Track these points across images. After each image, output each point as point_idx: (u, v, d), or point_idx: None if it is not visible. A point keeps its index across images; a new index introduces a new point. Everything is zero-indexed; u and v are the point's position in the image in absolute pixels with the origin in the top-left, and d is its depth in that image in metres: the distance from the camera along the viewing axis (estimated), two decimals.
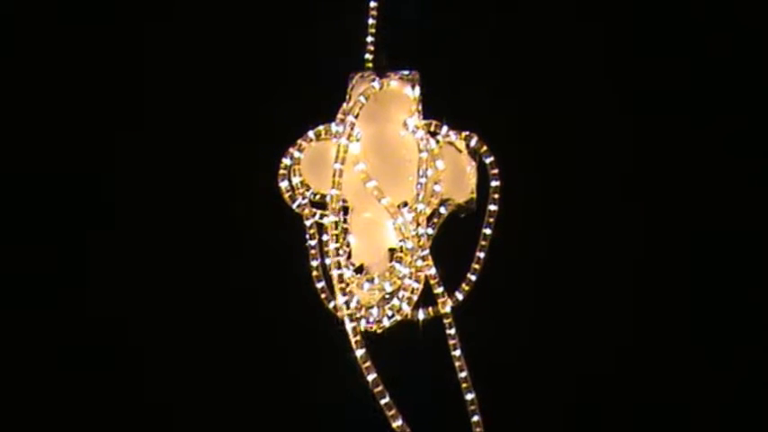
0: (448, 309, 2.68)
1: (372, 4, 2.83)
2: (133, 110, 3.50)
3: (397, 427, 2.59)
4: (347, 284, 2.60)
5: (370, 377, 2.57)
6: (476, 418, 2.69)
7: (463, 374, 2.67)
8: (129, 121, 3.52)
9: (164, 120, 3.51)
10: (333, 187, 2.55)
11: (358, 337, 2.58)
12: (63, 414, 3.52)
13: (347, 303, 2.58)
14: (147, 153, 3.50)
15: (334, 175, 2.55)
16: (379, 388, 2.57)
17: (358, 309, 2.59)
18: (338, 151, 2.55)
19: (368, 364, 2.57)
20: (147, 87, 3.49)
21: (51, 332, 3.53)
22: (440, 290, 2.64)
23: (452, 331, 2.67)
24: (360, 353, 2.57)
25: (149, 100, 3.50)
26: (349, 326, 2.58)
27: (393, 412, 2.57)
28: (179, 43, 3.46)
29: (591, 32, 3.39)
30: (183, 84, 3.47)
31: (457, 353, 2.67)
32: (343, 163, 2.55)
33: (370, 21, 2.83)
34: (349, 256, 2.62)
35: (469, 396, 2.70)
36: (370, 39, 2.81)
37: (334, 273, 2.57)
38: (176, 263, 3.50)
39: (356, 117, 2.58)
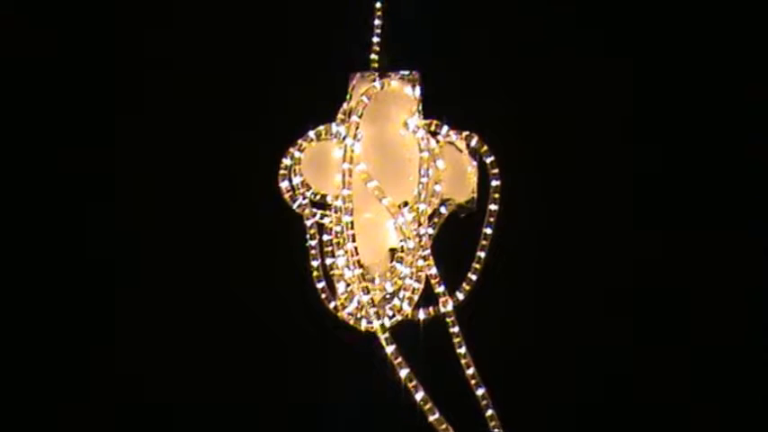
0: (449, 308, 2.66)
1: (377, 5, 2.82)
2: (134, 110, 3.50)
3: (435, 420, 2.56)
4: (352, 284, 2.59)
5: (403, 373, 2.53)
6: (490, 412, 2.68)
7: (471, 371, 2.66)
8: (130, 122, 3.52)
9: (164, 119, 3.51)
10: (344, 187, 2.51)
11: (387, 335, 2.55)
12: (63, 413, 3.52)
13: (372, 301, 2.56)
14: (147, 153, 3.50)
15: (344, 175, 2.52)
16: (414, 383, 2.53)
17: (359, 309, 2.58)
18: (346, 151, 2.53)
19: (399, 360, 2.53)
20: (147, 87, 3.48)
21: (49, 331, 3.53)
22: (441, 289, 2.64)
23: (456, 329, 2.66)
24: (390, 349, 2.54)
25: (150, 99, 3.49)
26: (377, 323, 2.56)
27: (429, 406, 2.54)
28: (180, 44, 3.46)
29: (591, 34, 3.40)
30: (183, 84, 3.47)
31: (462, 350, 2.66)
32: (351, 162, 2.52)
33: (376, 22, 2.82)
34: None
35: (480, 391, 2.69)
36: (376, 39, 2.79)
37: (353, 273, 2.54)
38: (176, 263, 3.50)
39: (360, 117, 2.56)
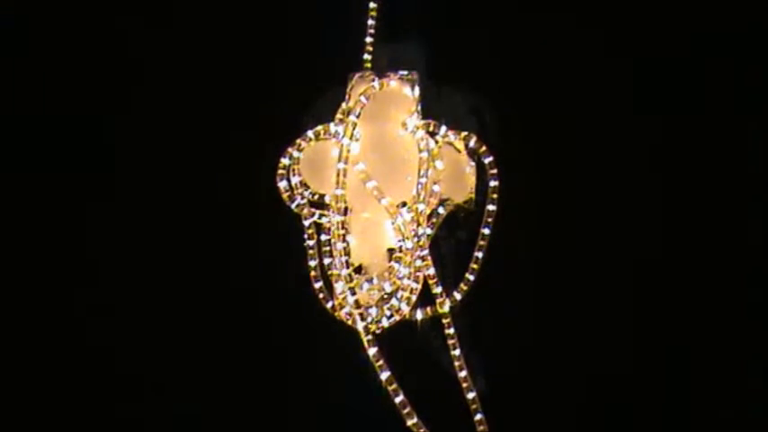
0: (446, 309, 2.67)
1: (372, 5, 2.83)
2: (132, 111, 3.52)
3: (412, 425, 2.57)
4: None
5: (384, 375, 2.54)
6: (478, 417, 2.69)
7: (463, 374, 2.67)
8: (128, 123, 3.53)
9: (163, 119, 3.52)
10: (337, 187, 2.54)
11: (370, 336, 2.56)
12: (58, 414, 3.53)
13: (356, 302, 2.57)
14: (145, 152, 3.52)
15: (338, 175, 2.54)
16: (393, 386, 2.55)
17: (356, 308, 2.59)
18: (341, 151, 2.55)
19: (380, 362, 2.55)
20: (145, 86, 3.50)
21: (45, 329, 3.54)
22: (438, 290, 2.64)
23: (451, 331, 2.67)
24: (372, 351, 2.56)
25: (148, 99, 3.51)
26: (360, 325, 2.57)
27: (408, 410, 2.56)
28: (178, 44, 3.48)
29: (590, 33, 3.41)
30: (182, 84, 3.49)
31: (456, 352, 2.67)
32: (346, 162, 2.54)
33: (370, 21, 2.83)
34: (348, 256, 2.61)
35: (471, 395, 2.70)
36: (369, 39, 2.81)
37: (343, 272, 2.56)
38: (174, 263, 3.51)
39: (357, 117, 2.58)
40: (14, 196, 3.55)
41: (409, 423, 2.57)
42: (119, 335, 3.53)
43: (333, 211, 2.57)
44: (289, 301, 3.24)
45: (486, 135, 2.79)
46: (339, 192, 2.55)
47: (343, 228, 2.57)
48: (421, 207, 2.58)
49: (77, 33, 3.51)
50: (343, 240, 2.56)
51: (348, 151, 2.56)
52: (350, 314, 2.60)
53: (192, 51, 3.47)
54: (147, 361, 3.52)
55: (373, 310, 2.64)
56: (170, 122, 3.49)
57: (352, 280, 2.57)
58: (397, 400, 2.56)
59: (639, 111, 3.42)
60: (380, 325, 2.60)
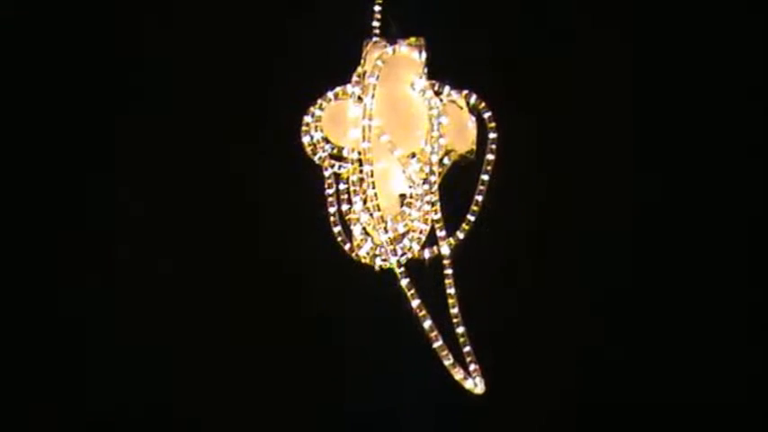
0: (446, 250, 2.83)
1: (375, 8, 3.05)
2: (133, 94, 3.65)
3: (438, 347, 2.76)
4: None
5: (415, 303, 2.75)
6: (467, 349, 2.84)
7: (455, 310, 2.84)
8: (128, 120, 3.67)
9: (162, 119, 3.66)
10: (364, 140, 2.81)
11: (401, 268, 2.76)
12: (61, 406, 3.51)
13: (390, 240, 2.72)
14: (144, 150, 3.64)
15: (364, 130, 2.81)
16: (423, 312, 2.74)
17: (374, 248, 2.77)
18: (365, 109, 2.82)
19: (412, 291, 2.75)
20: (146, 84, 3.65)
21: (41, 330, 3.54)
22: (443, 233, 2.84)
23: (449, 271, 2.80)
24: (404, 282, 2.76)
25: (148, 97, 3.66)
26: (393, 259, 2.77)
27: (435, 333, 2.75)
28: (177, 44, 3.63)
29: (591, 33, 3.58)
30: (180, 85, 3.64)
31: (452, 291, 2.82)
32: (370, 119, 2.80)
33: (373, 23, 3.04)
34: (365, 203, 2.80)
35: (461, 329, 2.84)
36: (372, 40, 3.02)
37: (374, 215, 2.75)
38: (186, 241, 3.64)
39: (377, 79, 2.80)
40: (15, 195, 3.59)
41: (435, 346, 2.73)
42: (114, 328, 3.53)
43: (363, 162, 2.80)
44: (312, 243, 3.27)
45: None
46: (367, 144, 2.79)
47: (372, 176, 2.79)
48: (433, 158, 2.77)
49: (75, 31, 3.62)
50: (374, 187, 2.76)
51: (371, 109, 2.75)
52: (367, 254, 2.76)
53: (191, 52, 3.64)
54: (145, 356, 3.52)
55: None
56: (169, 123, 3.59)
57: (384, 221, 2.76)
58: (426, 324, 2.71)
59: (640, 101, 3.56)
60: (392, 262, 2.75)
